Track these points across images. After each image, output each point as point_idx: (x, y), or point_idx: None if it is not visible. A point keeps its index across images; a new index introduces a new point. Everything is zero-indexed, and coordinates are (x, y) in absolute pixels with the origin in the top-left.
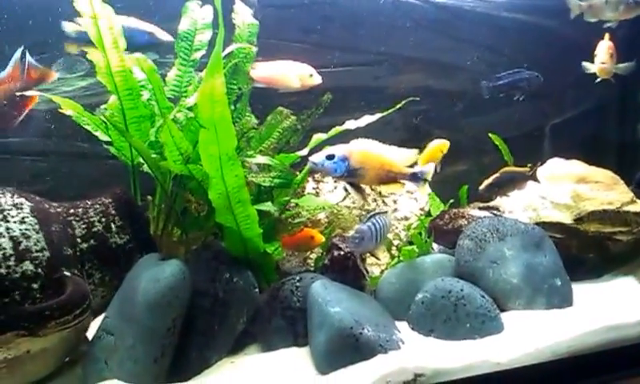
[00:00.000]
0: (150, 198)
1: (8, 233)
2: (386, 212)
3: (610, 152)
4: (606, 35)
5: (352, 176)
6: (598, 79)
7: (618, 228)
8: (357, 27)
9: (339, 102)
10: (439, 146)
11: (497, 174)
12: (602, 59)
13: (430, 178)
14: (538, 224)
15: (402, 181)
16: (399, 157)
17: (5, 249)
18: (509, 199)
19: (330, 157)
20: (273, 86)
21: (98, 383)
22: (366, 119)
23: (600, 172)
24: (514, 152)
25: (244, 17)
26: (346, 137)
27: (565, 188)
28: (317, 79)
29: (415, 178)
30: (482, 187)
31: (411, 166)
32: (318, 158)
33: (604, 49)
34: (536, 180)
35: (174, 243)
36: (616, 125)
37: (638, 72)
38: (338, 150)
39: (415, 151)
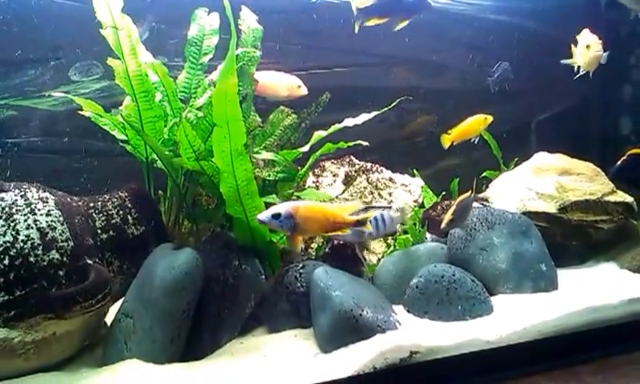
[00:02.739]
0: (161, 192)
1: (36, 224)
2: (390, 207)
3: (593, 146)
4: (586, 30)
5: (299, 231)
6: (578, 75)
7: (600, 217)
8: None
9: (338, 101)
10: (480, 119)
11: (453, 207)
12: (597, 48)
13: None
14: (524, 213)
15: (346, 227)
16: (342, 210)
17: (33, 239)
18: (497, 191)
19: (276, 216)
20: (263, 95)
21: (119, 362)
22: (363, 117)
23: (582, 165)
24: (503, 147)
25: (249, 23)
26: (345, 133)
27: (549, 180)
28: (303, 90)
29: (358, 225)
30: (443, 225)
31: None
32: (264, 216)
33: (594, 39)
34: (482, 201)
35: (184, 234)
36: (599, 120)
37: (619, 68)
38: (283, 208)
39: (358, 202)
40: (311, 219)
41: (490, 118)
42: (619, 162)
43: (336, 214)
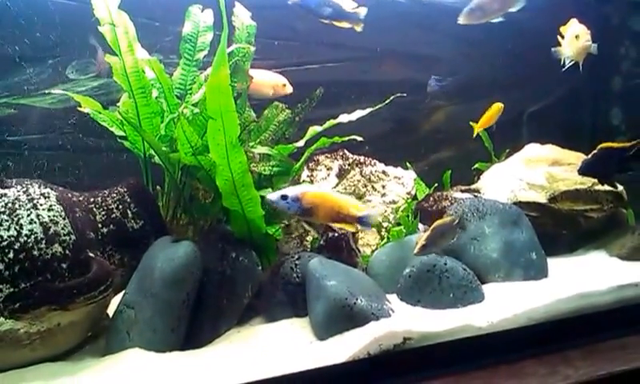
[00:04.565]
0: (158, 187)
1: (38, 219)
2: None
3: (584, 136)
4: (574, 20)
5: (305, 214)
6: (567, 66)
7: (590, 206)
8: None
9: (331, 96)
10: (495, 107)
11: (428, 232)
12: (586, 38)
13: (375, 221)
14: (515, 204)
15: (350, 223)
16: (349, 203)
17: (36, 233)
18: (488, 182)
19: (284, 197)
20: (248, 93)
21: (121, 351)
22: (358, 113)
23: (573, 155)
24: (494, 138)
25: (243, 19)
26: (339, 127)
27: (540, 170)
28: (289, 89)
29: (362, 221)
30: (416, 251)
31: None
32: (274, 196)
33: (583, 29)
34: (462, 227)
35: (182, 228)
36: (590, 110)
37: (609, 59)
38: (292, 190)
39: (365, 206)
40: (318, 206)
41: (501, 106)
42: (589, 156)
43: (342, 206)
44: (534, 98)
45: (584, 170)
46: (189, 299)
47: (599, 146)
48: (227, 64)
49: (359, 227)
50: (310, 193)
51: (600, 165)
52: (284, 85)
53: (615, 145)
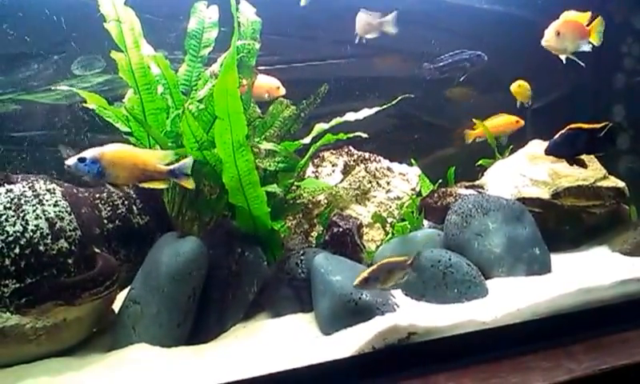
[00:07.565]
0: None
1: (44, 215)
2: None
3: None
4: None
5: (106, 177)
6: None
7: (592, 202)
8: (347, 21)
9: (334, 92)
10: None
11: (374, 267)
12: (545, 38)
13: (189, 172)
14: (518, 200)
15: (161, 179)
16: (153, 156)
17: (42, 229)
18: (492, 178)
19: (82, 160)
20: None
21: (127, 346)
22: (365, 112)
23: None
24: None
25: (248, 15)
26: (344, 124)
27: (543, 167)
28: (282, 90)
29: (174, 173)
30: (356, 283)
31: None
32: (71, 161)
33: (551, 28)
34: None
35: (187, 223)
36: (592, 107)
37: (612, 56)
38: (89, 153)
39: (171, 152)
40: (119, 165)
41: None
42: (557, 137)
43: (146, 162)
44: (537, 94)
45: (551, 151)
46: (194, 294)
47: (567, 127)
48: (235, 68)
49: (176, 181)
50: (108, 152)
51: (568, 146)
52: (277, 87)
53: (585, 126)
